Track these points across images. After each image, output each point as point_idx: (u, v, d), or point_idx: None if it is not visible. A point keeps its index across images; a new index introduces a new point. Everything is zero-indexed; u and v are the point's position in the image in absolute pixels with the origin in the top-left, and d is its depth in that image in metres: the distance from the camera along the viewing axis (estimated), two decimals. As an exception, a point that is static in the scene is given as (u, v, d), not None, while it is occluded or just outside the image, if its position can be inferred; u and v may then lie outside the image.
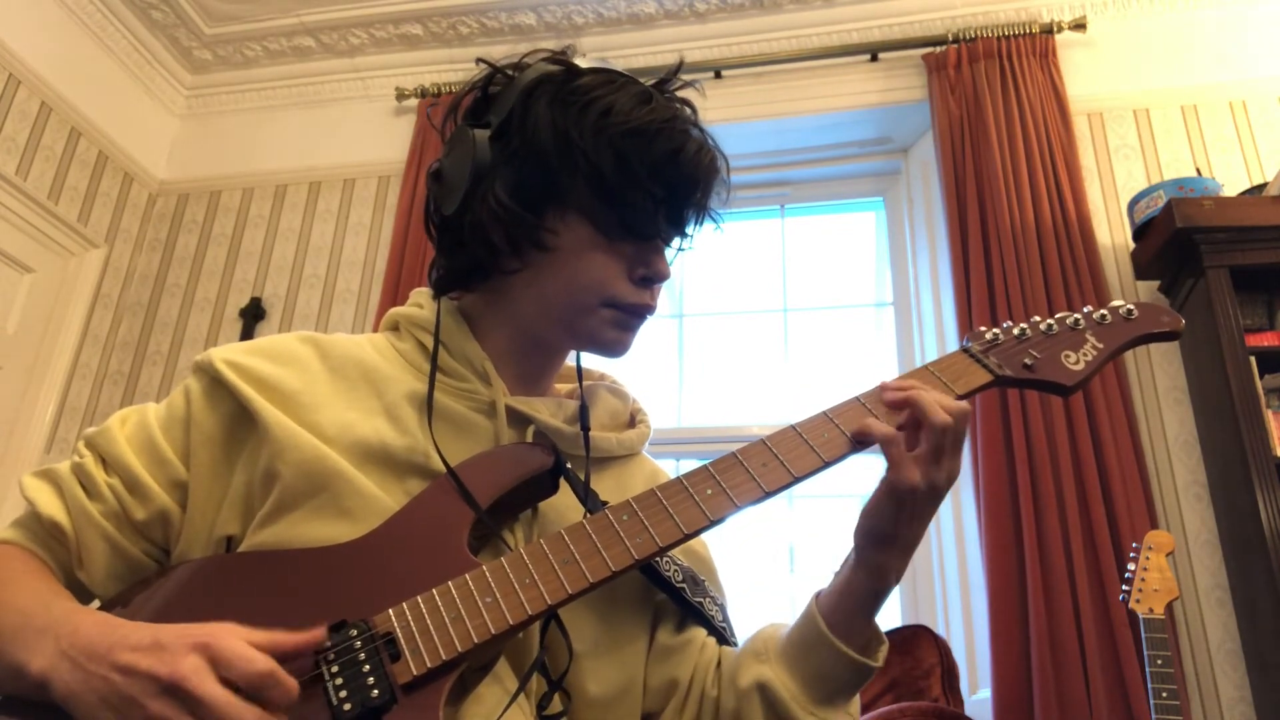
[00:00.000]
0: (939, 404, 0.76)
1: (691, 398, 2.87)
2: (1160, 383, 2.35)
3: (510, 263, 0.84)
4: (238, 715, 0.59)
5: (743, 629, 0.91)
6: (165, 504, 0.80)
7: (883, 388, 0.82)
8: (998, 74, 2.63)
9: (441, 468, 0.79)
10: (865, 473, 2.22)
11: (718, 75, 2.90)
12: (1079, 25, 2.68)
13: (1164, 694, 1.66)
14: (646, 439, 0.96)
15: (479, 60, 0.90)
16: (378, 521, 0.76)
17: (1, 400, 2.77)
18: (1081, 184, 2.49)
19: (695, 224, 0.88)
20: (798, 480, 0.78)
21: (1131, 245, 2.40)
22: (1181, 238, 2.16)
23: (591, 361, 0.96)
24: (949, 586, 2.41)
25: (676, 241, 0.89)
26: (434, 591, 0.71)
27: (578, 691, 0.79)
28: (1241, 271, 2.15)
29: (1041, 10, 2.75)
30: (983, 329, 0.90)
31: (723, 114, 2.79)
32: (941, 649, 1.80)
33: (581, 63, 0.85)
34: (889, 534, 0.77)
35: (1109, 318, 0.91)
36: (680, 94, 0.87)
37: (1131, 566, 1.79)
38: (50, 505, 0.80)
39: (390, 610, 0.70)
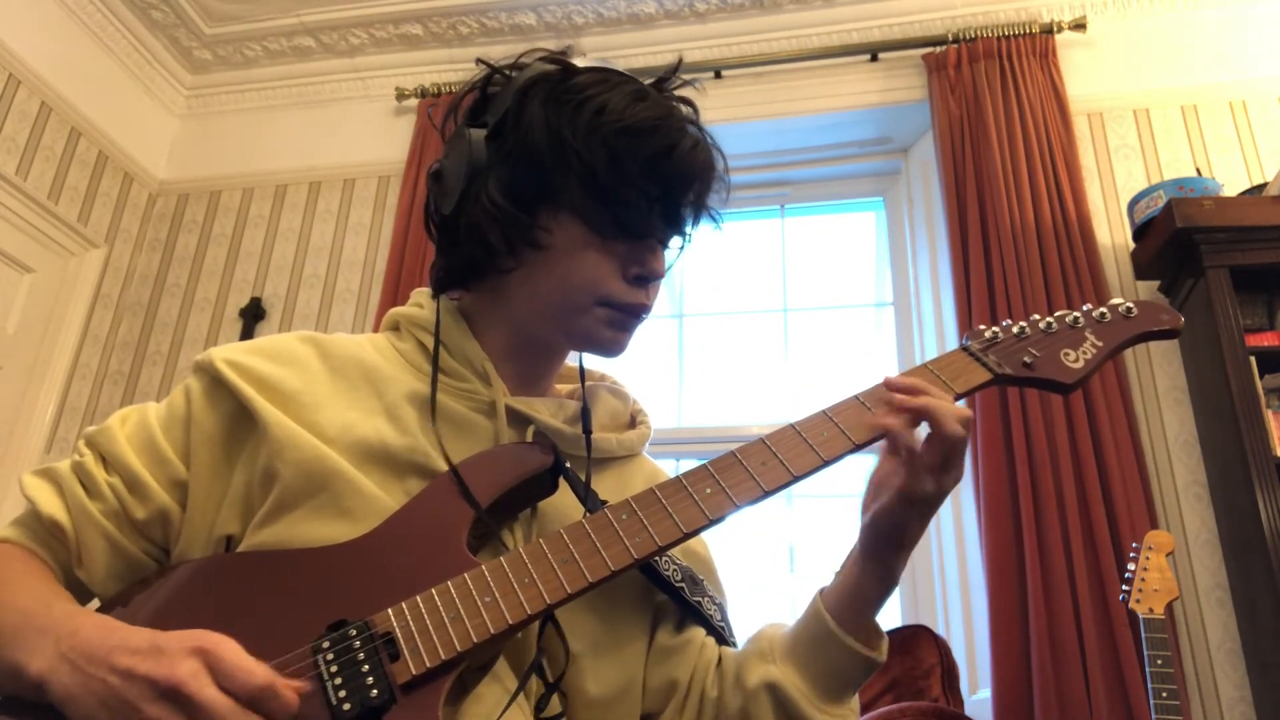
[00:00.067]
0: (953, 414, 0.76)
1: (691, 398, 2.87)
2: (1160, 383, 2.35)
3: (506, 261, 0.84)
4: None
5: (743, 629, 0.91)
6: (165, 503, 0.80)
7: (888, 385, 0.82)
8: (998, 74, 2.63)
9: (441, 468, 0.79)
10: (865, 473, 2.22)
11: (718, 75, 2.90)
12: (1079, 25, 2.68)
13: (1164, 694, 1.66)
14: (647, 440, 0.96)
15: (479, 61, 0.90)
16: (377, 521, 0.76)
17: (1, 400, 2.77)
18: (1081, 184, 2.49)
19: (692, 223, 0.88)
20: (797, 479, 0.78)
21: (1131, 245, 2.40)
22: (1181, 238, 2.16)
23: (591, 362, 0.96)
24: (949, 586, 2.41)
25: (674, 240, 0.88)
26: (433, 591, 0.71)
27: (577, 692, 0.79)
28: (1241, 271, 2.14)
29: (1041, 10, 2.75)
30: (982, 327, 0.90)
31: (723, 114, 2.79)
32: (941, 649, 1.80)
33: (581, 63, 0.85)
34: (902, 536, 0.78)
35: (1108, 316, 0.91)
36: (680, 93, 0.87)
37: (1131, 566, 1.79)
38: (50, 504, 0.80)
39: (389, 610, 0.70)
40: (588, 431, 0.88)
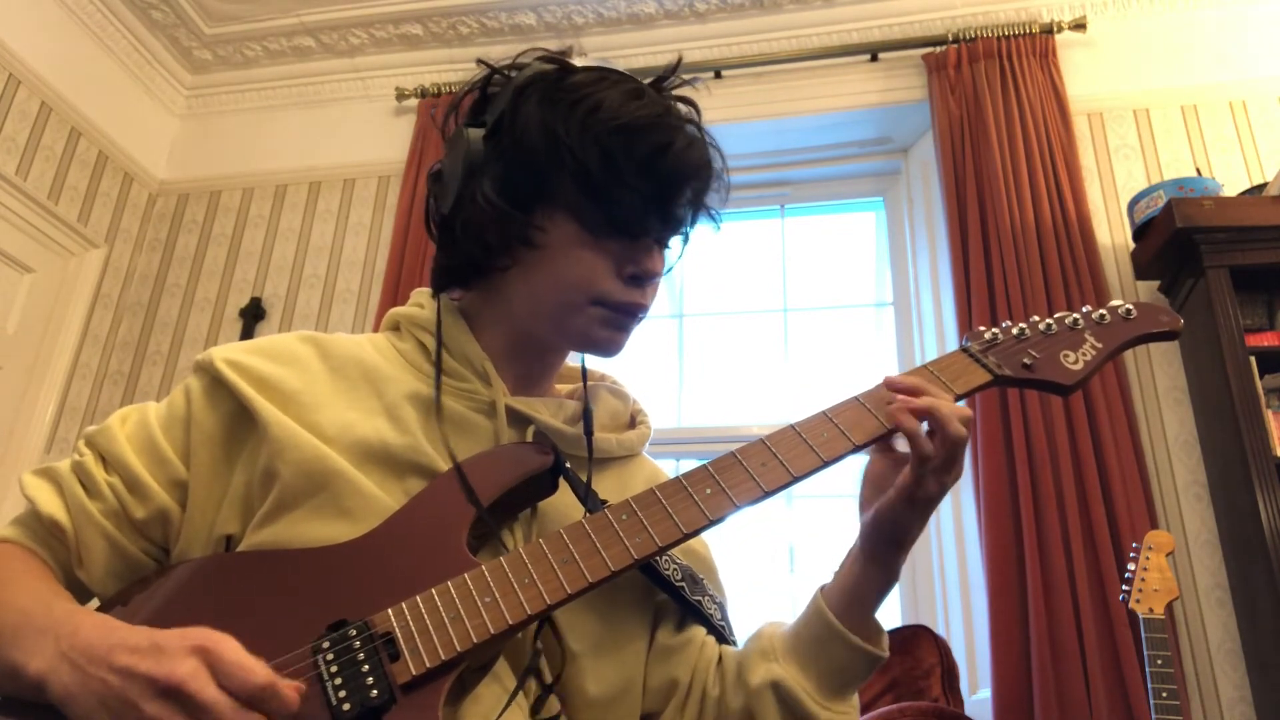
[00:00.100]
0: (955, 414, 0.77)
1: (691, 398, 2.87)
2: (1160, 383, 2.35)
3: (502, 260, 0.84)
4: None
5: (743, 629, 0.91)
6: (165, 503, 0.80)
7: (888, 385, 0.82)
8: (998, 74, 2.63)
9: (441, 468, 0.79)
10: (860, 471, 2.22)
11: (718, 75, 2.90)
12: (1079, 25, 2.68)
13: (1164, 694, 1.66)
14: (647, 440, 0.96)
15: (479, 61, 0.90)
16: (377, 521, 0.76)
17: (1, 400, 2.77)
18: (1081, 184, 2.49)
19: (690, 222, 0.88)
20: (797, 480, 0.78)
21: (1131, 245, 2.40)
22: (1181, 238, 2.16)
23: (591, 361, 0.96)
24: (949, 586, 2.41)
25: (672, 239, 0.88)
26: (433, 591, 0.71)
27: (578, 691, 0.79)
28: (1241, 271, 2.14)
29: (1041, 10, 2.75)
30: (981, 329, 0.90)
31: (723, 114, 2.79)
32: (941, 649, 1.80)
33: (580, 62, 0.85)
34: (903, 536, 0.80)
35: (1108, 317, 0.91)
36: (680, 92, 0.87)
37: (1131, 566, 1.79)
38: (50, 504, 0.80)
39: (389, 610, 0.70)
40: (589, 432, 0.88)
